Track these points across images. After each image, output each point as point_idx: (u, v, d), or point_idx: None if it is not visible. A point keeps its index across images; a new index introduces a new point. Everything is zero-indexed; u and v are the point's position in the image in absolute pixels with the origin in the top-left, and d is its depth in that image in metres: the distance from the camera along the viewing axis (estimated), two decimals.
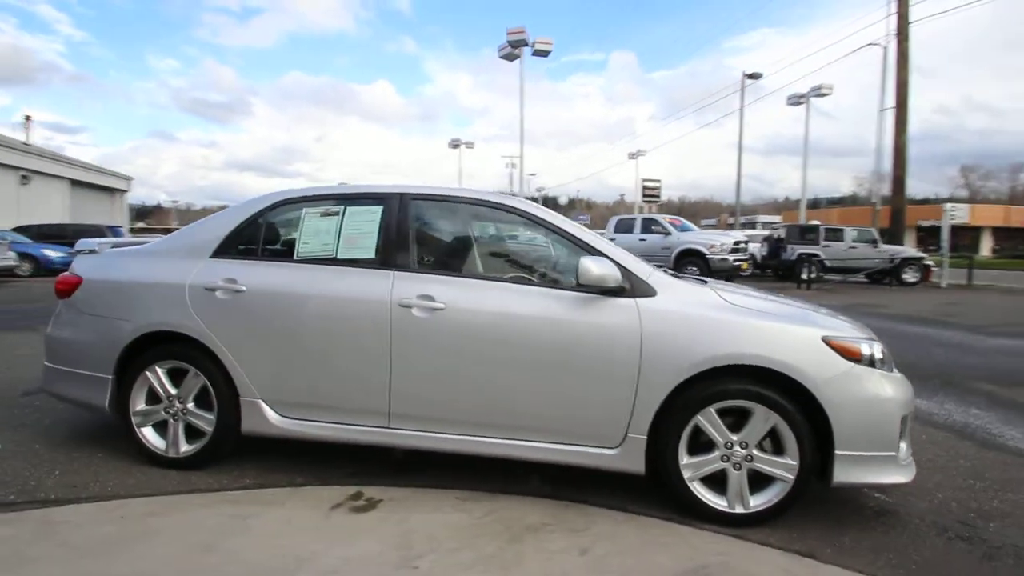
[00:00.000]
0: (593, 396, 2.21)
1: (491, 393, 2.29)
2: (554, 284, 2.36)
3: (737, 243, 13.12)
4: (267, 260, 2.57)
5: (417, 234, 2.49)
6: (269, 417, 2.45)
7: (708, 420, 2.15)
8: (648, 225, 14.15)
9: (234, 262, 2.54)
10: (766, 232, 19.89)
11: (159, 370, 2.52)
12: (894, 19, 17.85)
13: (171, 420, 2.53)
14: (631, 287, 2.22)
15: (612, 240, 14.85)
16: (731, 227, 25.37)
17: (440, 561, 1.89)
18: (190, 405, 2.52)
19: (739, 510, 2.16)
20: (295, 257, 2.54)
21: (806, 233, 15.57)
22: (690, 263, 12.98)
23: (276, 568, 1.82)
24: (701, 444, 2.19)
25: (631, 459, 2.21)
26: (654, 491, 2.35)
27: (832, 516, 2.26)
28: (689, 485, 2.17)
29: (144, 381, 2.53)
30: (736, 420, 2.16)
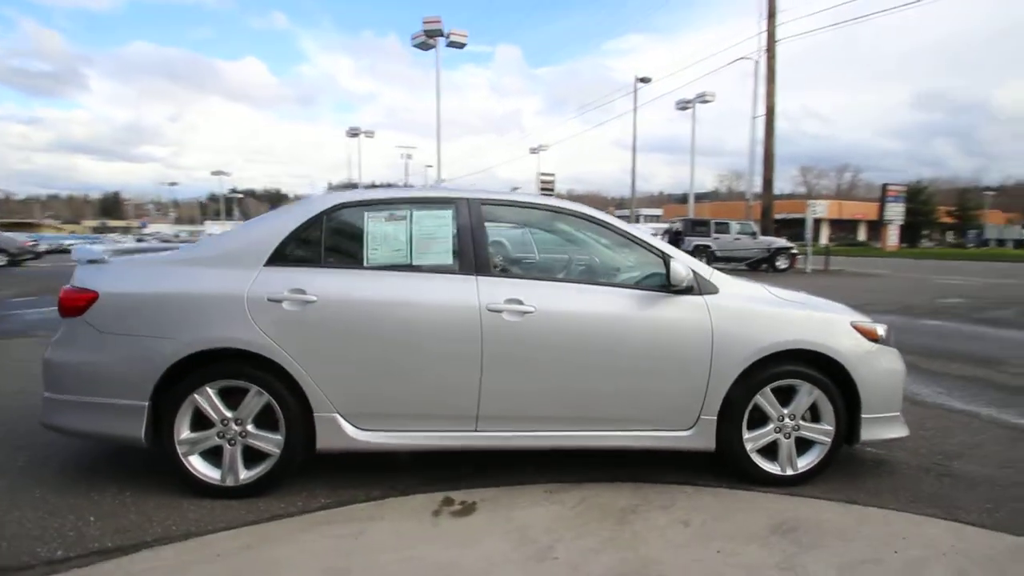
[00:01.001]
0: (672, 385, 2.45)
1: (577, 389, 2.43)
2: (623, 284, 2.55)
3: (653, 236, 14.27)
4: (333, 268, 2.44)
5: (491, 239, 2.53)
6: (348, 432, 2.35)
7: (765, 399, 2.50)
8: None
9: (296, 270, 2.38)
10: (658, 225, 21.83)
11: (210, 391, 2.29)
12: (764, 37, 20.37)
13: (227, 445, 2.32)
14: (698, 286, 2.48)
15: None
16: (627, 220, 27.37)
17: (571, 549, 2.01)
18: (249, 427, 2.33)
19: (789, 472, 2.53)
20: (365, 264, 2.44)
21: (698, 226, 17.36)
22: None
23: (457, 568, 1.83)
24: (755, 420, 2.53)
25: (703, 439, 2.49)
26: (703, 466, 2.66)
27: (848, 471, 2.73)
28: (751, 456, 2.51)
29: (190, 405, 2.29)
30: (783, 397, 2.53)
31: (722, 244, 16.69)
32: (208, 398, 2.30)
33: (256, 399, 2.31)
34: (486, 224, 2.53)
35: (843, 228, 45.03)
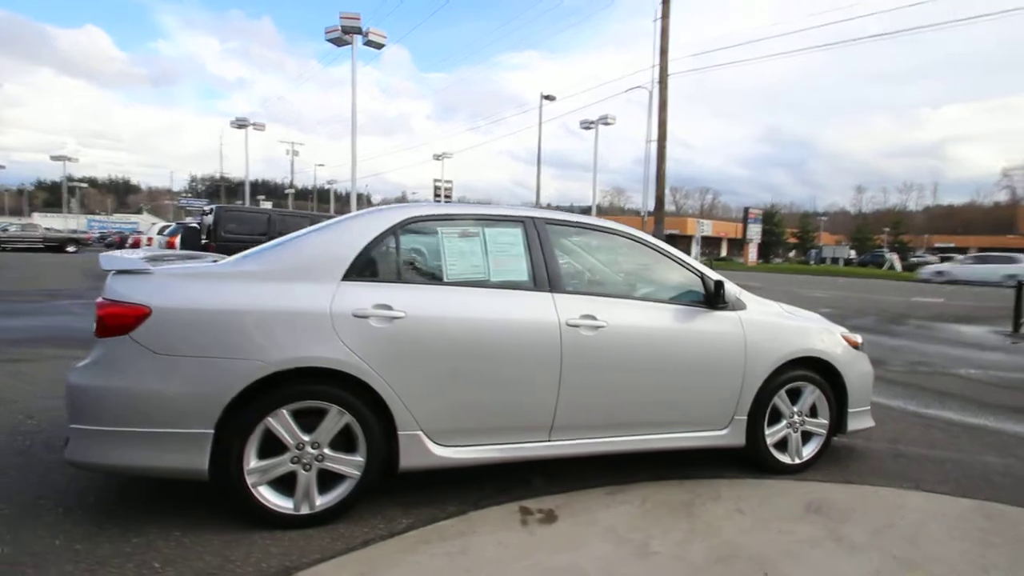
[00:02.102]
0: (714, 391, 2.77)
1: (640, 397, 2.65)
2: (673, 301, 2.82)
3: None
4: (413, 283, 2.40)
5: (558, 257, 2.65)
6: (431, 449, 2.33)
7: (781, 400, 2.92)
8: None
9: (376, 285, 2.31)
10: None
11: (286, 413, 2.14)
12: (657, 70, 22.51)
13: (301, 471, 2.18)
14: (733, 303, 2.84)
15: None
16: None
17: (664, 542, 2.22)
18: (326, 450, 2.21)
19: (797, 461, 2.97)
20: (445, 279, 2.44)
21: None
22: None
23: (581, 571, 1.91)
24: (772, 418, 2.94)
25: (736, 436, 2.84)
26: (722, 460, 3.01)
27: (833, 459, 3.24)
28: (770, 449, 2.91)
29: (261, 430, 2.12)
30: (792, 397, 2.97)
31: None
32: (284, 421, 2.14)
33: (336, 420, 2.20)
34: (558, 243, 2.66)
35: (710, 244, 50.78)
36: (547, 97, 28.06)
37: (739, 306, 2.86)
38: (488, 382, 2.40)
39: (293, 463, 2.17)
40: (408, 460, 2.30)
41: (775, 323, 2.93)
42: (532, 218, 2.68)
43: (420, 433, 2.31)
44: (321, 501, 2.21)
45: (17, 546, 1.98)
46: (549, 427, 2.51)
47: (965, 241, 56.85)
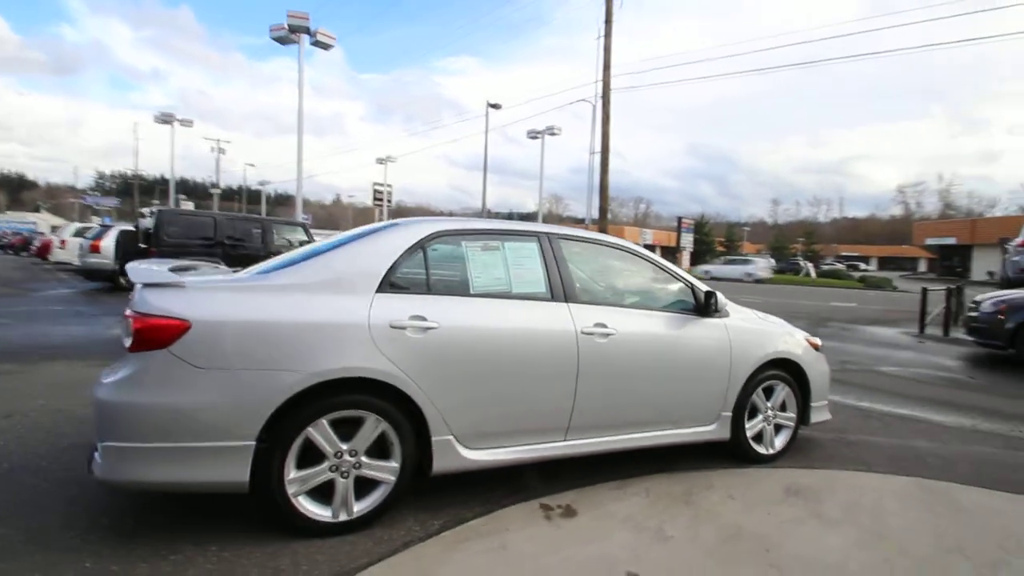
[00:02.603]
0: (706, 390, 3.07)
1: (644, 399, 2.90)
2: (667, 309, 3.09)
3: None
4: (442, 295, 2.51)
5: (570, 269, 2.85)
6: (462, 453, 2.45)
7: (759, 397, 3.27)
8: None
9: (408, 297, 2.41)
10: None
11: (325, 423, 2.19)
12: (600, 85, 23.43)
13: (339, 479, 2.23)
14: (719, 310, 3.15)
15: None
16: None
17: (676, 528, 2.46)
18: (363, 457, 2.28)
19: (771, 451, 3.33)
20: (471, 292, 2.57)
21: None
22: None
23: (602, 568, 2.10)
24: (750, 414, 3.28)
25: (722, 431, 3.15)
26: (703, 454, 3.32)
27: (796, 449, 3.65)
28: (749, 441, 3.25)
29: (301, 440, 2.16)
30: (766, 394, 3.33)
31: None
32: (324, 431, 2.19)
33: (374, 428, 2.27)
34: (569, 257, 2.86)
35: (669, 253, 53.09)
36: (493, 105, 28.40)
37: (724, 313, 3.19)
38: (512, 388, 2.55)
39: (331, 471, 2.22)
40: (440, 464, 2.41)
41: (754, 328, 3.28)
42: (546, 233, 2.87)
43: (451, 438, 2.42)
44: (358, 508, 2.27)
45: (48, 571, 1.91)
46: (566, 428, 2.70)
47: (867, 250, 63.10)
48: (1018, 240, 9.88)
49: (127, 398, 1.99)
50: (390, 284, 2.40)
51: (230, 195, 66.21)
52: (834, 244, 65.00)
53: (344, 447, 2.23)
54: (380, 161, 34.62)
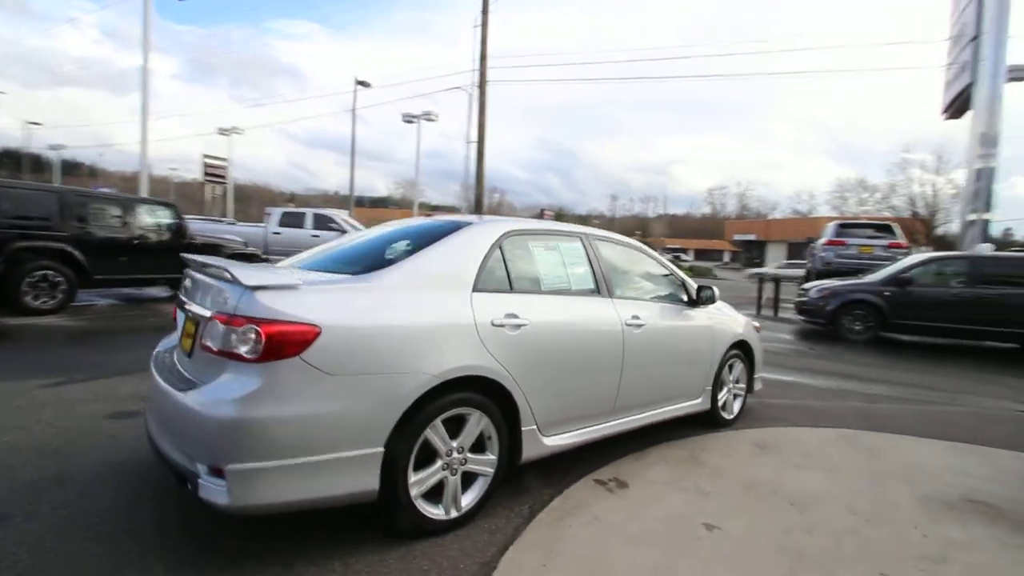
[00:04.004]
0: (699, 369, 3.65)
1: (660, 379, 3.36)
2: (670, 300, 3.57)
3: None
4: (521, 293, 2.62)
5: (607, 266, 3.15)
6: (543, 440, 2.63)
7: (726, 372, 3.96)
8: (323, 222, 14.04)
9: (497, 296, 2.50)
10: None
11: (439, 423, 2.23)
12: (477, 75, 23.68)
13: (449, 476, 2.28)
14: (705, 302, 3.74)
15: (277, 235, 14.05)
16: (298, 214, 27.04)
17: (704, 484, 2.96)
18: (468, 453, 2.35)
19: (732, 416, 4.07)
20: (542, 289, 2.73)
21: None
22: None
23: (682, 524, 2.48)
24: (719, 386, 3.96)
25: (705, 403, 3.77)
26: (677, 424, 3.94)
27: (749, 415, 4.44)
28: (721, 410, 3.92)
29: (420, 442, 2.16)
30: (728, 370, 4.05)
31: None
32: (439, 431, 2.22)
33: (477, 423, 2.36)
34: (603, 254, 3.16)
35: None
36: (361, 83, 26.93)
37: (709, 304, 3.78)
38: (579, 377, 2.80)
39: (443, 470, 2.26)
40: (528, 453, 2.57)
41: (724, 316, 3.95)
42: (585, 234, 3.14)
43: (535, 427, 2.59)
44: (464, 503, 2.34)
45: None
46: (611, 410, 3.03)
47: (689, 244, 73.43)
48: (823, 239, 12.72)
49: (258, 413, 1.81)
50: (481, 283, 2.47)
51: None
52: (662, 237, 74.55)
53: (453, 444, 2.28)
54: (223, 132, 30.57)
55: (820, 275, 11.76)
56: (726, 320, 3.97)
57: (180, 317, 2.50)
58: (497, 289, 2.54)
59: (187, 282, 2.37)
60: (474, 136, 23.90)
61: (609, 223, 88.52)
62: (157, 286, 9.63)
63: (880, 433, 4.08)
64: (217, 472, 1.81)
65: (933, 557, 2.33)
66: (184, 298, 2.39)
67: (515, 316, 2.49)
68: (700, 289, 3.66)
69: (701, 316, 3.69)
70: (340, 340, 1.96)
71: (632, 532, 2.40)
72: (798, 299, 10.00)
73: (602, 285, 3.05)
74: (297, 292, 1.97)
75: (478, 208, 24.00)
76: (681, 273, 3.76)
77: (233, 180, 35.79)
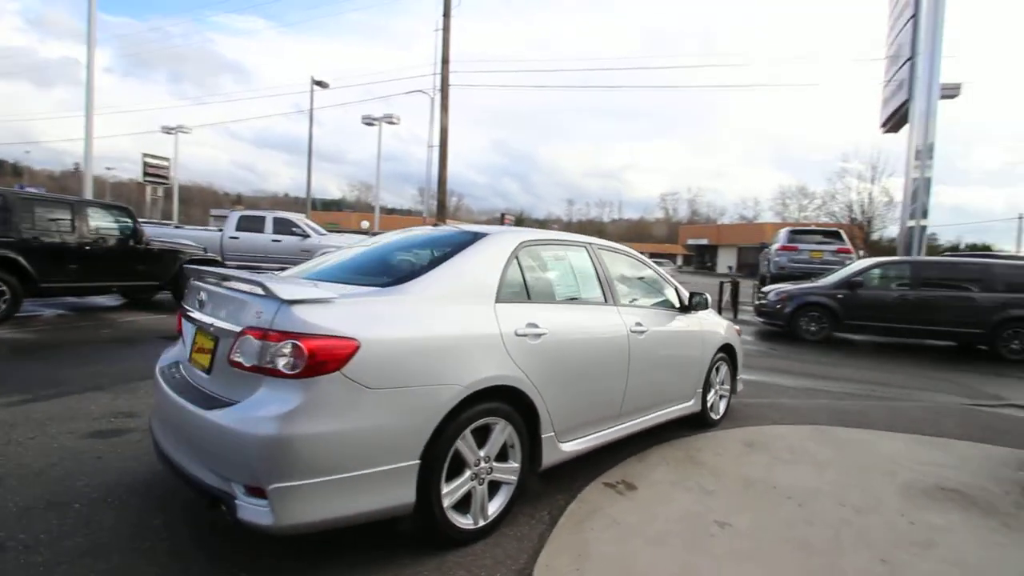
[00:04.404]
0: (692, 372, 3.80)
1: (661, 382, 3.48)
2: (665, 307, 3.71)
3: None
4: (537, 303, 2.67)
5: (610, 275, 3.25)
6: (560, 447, 2.69)
7: (715, 373, 4.14)
8: (285, 226, 13.60)
9: (517, 306, 2.54)
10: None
11: (469, 433, 2.24)
12: (439, 78, 23.54)
13: (477, 486, 2.30)
14: (696, 308, 3.90)
15: (235, 239, 13.59)
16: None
17: (707, 483, 3.10)
18: (494, 462, 2.37)
19: (719, 417, 4.25)
20: (556, 298, 2.78)
21: None
22: None
23: (696, 522, 2.59)
24: (707, 388, 4.13)
25: (696, 405, 3.92)
26: (666, 426, 4.10)
27: (731, 414, 4.64)
28: (709, 411, 4.10)
29: (452, 453, 2.18)
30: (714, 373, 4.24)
31: None
32: (468, 441, 2.24)
33: (502, 432, 2.38)
34: (607, 264, 3.25)
35: None
36: (319, 83, 26.25)
37: (700, 310, 3.95)
38: (591, 384, 2.87)
39: (472, 480, 2.27)
40: (547, 459, 2.62)
41: (713, 320, 4.13)
42: (589, 243, 3.22)
43: (553, 434, 2.65)
44: (491, 511, 2.36)
45: None
46: (618, 415, 3.12)
47: (644, 248, 75.52)
48: (777, 245, 13.42)
49: (300, 430, 1.77)
50: (502, 294, 2.50)
51: None
52: (619, 242, 76.40)
53: (481, 454, 2.30)
54: (169, 131, 29.07)
55: (775, 279, 12.40)
56: (713, 325, 4.15)
57: (188, 330, 2.41)
58: (516, 299, 2.58)
59: (201, 295, 2.29)
60: (436, 140, 23.79)
61: (566, 227, 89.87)
62: (109, 295, 9.08)
63: (851, 428, 4.37)
64: (256, 492, 1.76)
65: (921, 543, 2.54)
66: (196, 312, 2.30)
67: (535, 326, 2.53)
68: (692, 296, 3.82)
69: (693, 322, 3.85)
70: (378, 353, 1.95)
71: (650, 533, 2.49)
72: (757, 302, 10.50)
73: (607, 293, 3.14)
74: (333, 305, 1.95)
75: (440, 213, 23.85)
76: (673, 280, 3.91)
77: (175, 181, 34.03)
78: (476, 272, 2.47)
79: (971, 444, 4.11)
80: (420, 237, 2.90)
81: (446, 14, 22.65)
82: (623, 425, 3.19)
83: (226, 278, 2.21)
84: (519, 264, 2.68)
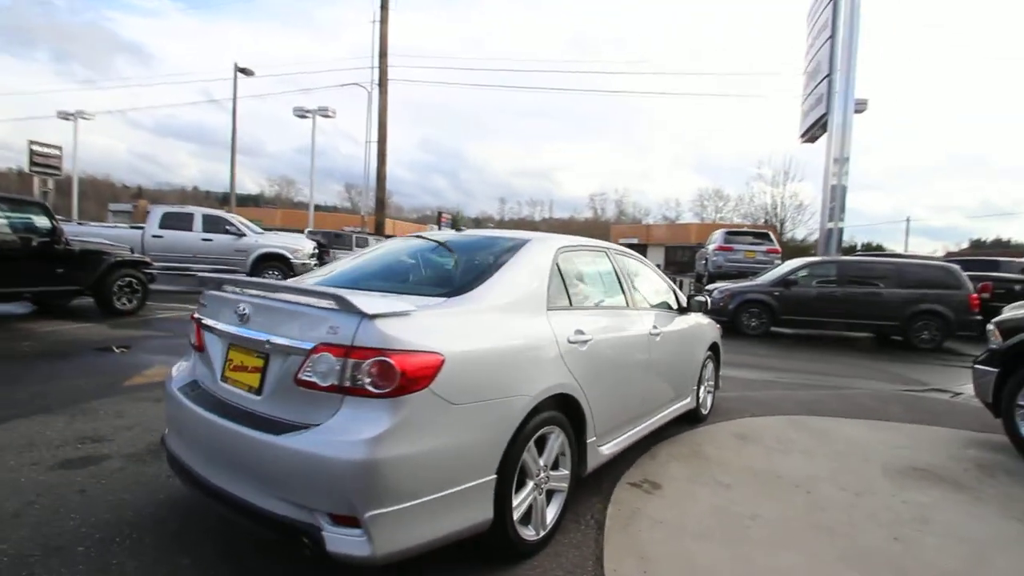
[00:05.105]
0: (690, 371, 3.97)
1: (670, 382, 3.62)
2: (668, 307, 3.85)
3: (317, 247, 13.99)
4: (578, 309, 2.68)
5: (629, 279, 3.33)
6: (600, 450, 2.72)
7: (705, 370, 4.36)
8: (217, 223, 12.62)
9: (563, 313, 2.55)
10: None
11: (531, 444, 2.22)
12: (377, 72, 22.78)
13: (537, 496, 2.29)
14: (692, 309, 4.08)
15: (159, 238, 12.65)
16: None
17: (718, 476, 3.27)
18: (550, 471, 2.37)
19: (706, 412, 4.48)
20: (593, 304, 2.82)
21: (339, 239, 18.06)
22: (272, 267, 12.81)
23: (727, 516, 2.72)
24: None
25: (692, 402, 4.12)
26: (666, 425, 4.29)
27: (712, 409, 4.91)
28: (700, 406, 4.31)
29: (520, 464, 2.15)
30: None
31: None
32: (531, 452, 2.22)
33: (556, 440, 2.38)
34: (624, 270, 3.32)
35: None
36: (243, 70, 24.56)
37: (687, 311, 4.14)
38: (623, 386, 2.94)
39: (534, 490, 2.26)
40: (591, 464, 2.65)
41: (703, 321, 4.34)
42: (607, 248, 3.28)
43: (596, 439, 2.68)
44: (549, 519, 2.36)
45: None
46: (639, 416, 3.21)
47: None
48: (714, 245, 14.30)
49: (394, 452, 1.67)
50: (550, 301, 2.50)
51: None
52: None
53: (540, 464, 2.29)
54: (66, 116, 25.98)
55: (712, 277, 13.22)
56: (704, 324, 4.37)
57: (215, 346, 2.19)
58: (562, 307, 2.58)
59: (240, 307, 2.08)
60: (374, 136, 23.05)
61: (500, 225, 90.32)
62: (16, 302, 8.01)
63: (818, 417, 4.77)
64: (346, 521, 1.65)
65: (919, 519, 2.83)
66: (232, 326, 2.10)
67: (582, 332, 2.55)
68: (690, 298, 4.00)
69: (690, 321, 4.03)
70: (460, 367, 1.89)
71: (693, 529, 2.59)
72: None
73: (628, 297, 3.22)
74: (411, 318, 1.86)
75: (380, 210, 23.16)
76: (668, 281, 4.07)
77: (67, 172, 30.34)
78: (530, 280, 2.45)
79: (919, 427, 4.62)
80: (456, 242, 2.82)
81: (384, 6, 22.10)
82: (644, 425, 3.29)
83: (276, 288, 2.04)
84: (559, 271, 2.68)
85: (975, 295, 9.21)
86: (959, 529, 2.75)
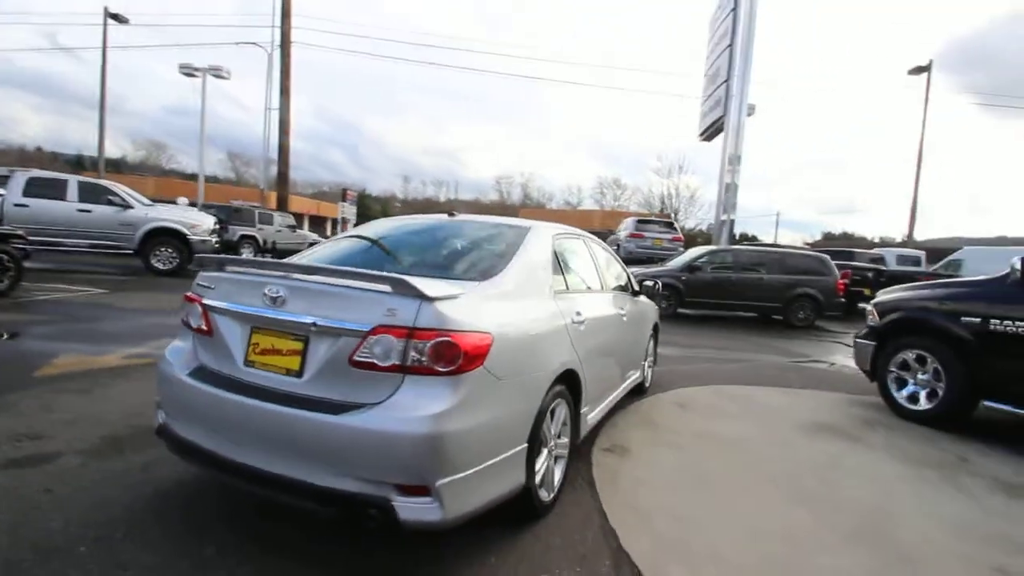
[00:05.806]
0: (642, 346, 4.40)
1: (630, 357, 4.00)
2: (626, 290, 4.21)
3: (218, 223, 12.80)
4: (573, 292, 2.90)
5: (601, 263, 3.61)
6: (587, 420, 3.00)
7: (650, 346, 4.83)
8: (95, 192, 11.07)
9: (564, 295, 2.77)
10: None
11: (547, 415, 2.43)
12: (278, 33, 20.91)
13: (550, 463, 2.51)
14: (643, 292, 4.50)
15: (23, 207, 11.22)
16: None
17: (677, 440, 3.71)
18: (558, 439, 2.60)
19: (648, 384, 4.98)
20: (580, 286, 3.06)
21: (238, 214, 16.64)
22: (164, 244, 11.56)
23: (692, 471, 3.14)
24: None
25: (641, 375, 4.56)
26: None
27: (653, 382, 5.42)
28: (647, 379, 4.78)
29: (540, 434, 2.35)
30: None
31: (266, 235, 16.79)
32: (547, 423, 2.43)
33: (563, 411, 2.61)
34: (599, 254, 3.60)
35: (319, 224, 50.12)
36: (114, 16, 21.35)
37: (637, 293, 4.56)
38: (604, 361, 3.24)
39: (548, 456, 2.47)
40: (583, 432, 2.91)
41: (649, 303, 4.79)
42: (582, 235, 3.54)
43: (587, 409, 2.95)
44: (555, 483, 2.58)
45: None
46: (611, 387, 3.54)
47: None
48: (625, 232, 15.28)
49: (457, 425, 1.78)
50: (555, 284, 2.69)
51: None
52: None
53: (552, 432, 2.50)
54: None
55: (625, 263, 14.20)
56: (649, 306, 4.83)
57: (232, 330, 2.11)
58: (562, 289, 2.79)
59: (274, 290, 2.01)
60: (275, 103, 21.23)
61: (404, 204, 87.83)
62: None
63: (737, 385, 5.49)
64: (416, 491, 1.74)
65: (834, 465, 3.47)
66: (253, 310, 2.03)
67: (579, 314, 2.78)
68: (642, 283, 4.41)
69: (642, 303, 4.45)
70: (505, 345, 2.03)
71: (667, 485, 2.97)
72: None
73: (601, 280, 3.52)
74: (461, 301, 1.95)
75: (281, 184, 21.57)
76: (624, 267, 4.45)
77: None
78: (540, 264, 2.62)
79: (813, 392, 5.51)
80: (464, 227, 2.91)
81: None
82: (613, 395, 3.64)
83: (312, 270, 2.01)
84: (556, 256, 2.88)
85: (841, 281, 10.91)
86: (865, 470, 3.42)
